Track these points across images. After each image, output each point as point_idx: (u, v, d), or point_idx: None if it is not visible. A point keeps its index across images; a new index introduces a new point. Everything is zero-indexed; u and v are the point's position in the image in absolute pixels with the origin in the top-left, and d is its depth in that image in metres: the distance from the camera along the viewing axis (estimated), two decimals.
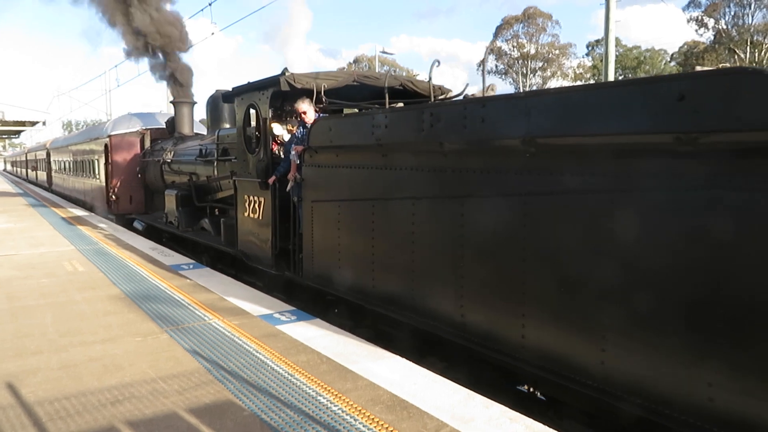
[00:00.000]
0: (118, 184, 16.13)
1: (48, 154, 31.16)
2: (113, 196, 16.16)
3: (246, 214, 8.37)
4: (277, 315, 6.18)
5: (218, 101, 12.41)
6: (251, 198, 8.19)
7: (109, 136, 16.22)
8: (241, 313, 6.27)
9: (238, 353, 4.99)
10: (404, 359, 4.87)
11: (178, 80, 15.91)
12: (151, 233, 14.03)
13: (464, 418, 3.70)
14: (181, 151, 12.74)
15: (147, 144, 15.76)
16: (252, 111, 8.37)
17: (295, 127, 7.69)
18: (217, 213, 11.15)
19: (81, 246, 11.12)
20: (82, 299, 6.97)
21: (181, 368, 4.65)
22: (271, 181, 7.49)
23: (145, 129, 16.15)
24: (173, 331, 5.64)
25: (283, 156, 7.76)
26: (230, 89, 8.88)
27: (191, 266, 9.12)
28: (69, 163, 24.22)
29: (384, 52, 43.03)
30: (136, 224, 15.46)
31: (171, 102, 15.43)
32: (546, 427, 3.60)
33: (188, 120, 15.17)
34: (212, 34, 21.63)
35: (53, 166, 29.91)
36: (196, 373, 4.54)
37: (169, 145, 13.82)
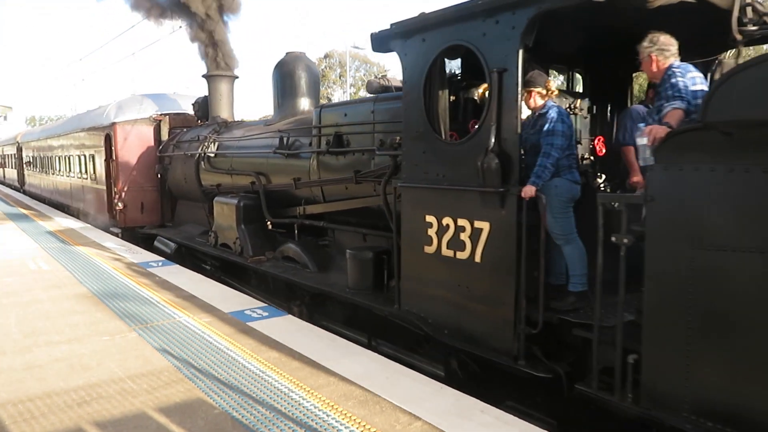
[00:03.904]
0: (126, 187, 12.44)
1: (19, 149, 27.57)
2: (119, 204, 12.44)
3: (432, 248, 4.84)
4: (248, 311, 6.13)
5: (293, 69, 9.05)
6: (449, 221, 4.68)
7: (114, 124, 12.55)
8: (211, 310, 6.20)
9: (208, 351, 4.94)
10: (377, 354, 4.88)
11: (216, 45, 11.98)
12: (185, 258, 10.25)
13: (437, 411, 3.73)
14: (233, 142, 9.51)
15: (164, 134, 12.46)
16: (445, 63, 5.02)
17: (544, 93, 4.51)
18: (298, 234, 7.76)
19: (45, 244, 10.86)
20: (48, 298, 6.81)
21: (150, 367, 4.58)
22: (530, 193, 4.11)
23: (161, 114, 12.71)
24: (142, 330, 5.55)
25: (524, 148, 4.51)
26: (390, 25, 5.20)
27: (160, 263, 8.98)
28: (49, 160, 20.32)
29: (355, 47, 42.88)
30: (159, 244, 11.25)
31: (205, 76, 11.87)
32: (515, 417, 3.65)
33: (228, 100, 11.76)
34: (180, 27, 21.20)
35: (26, 164, 26.27)
36: (166, 372, 4.48)
37: (206, 133, 10.43)
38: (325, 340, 5.21)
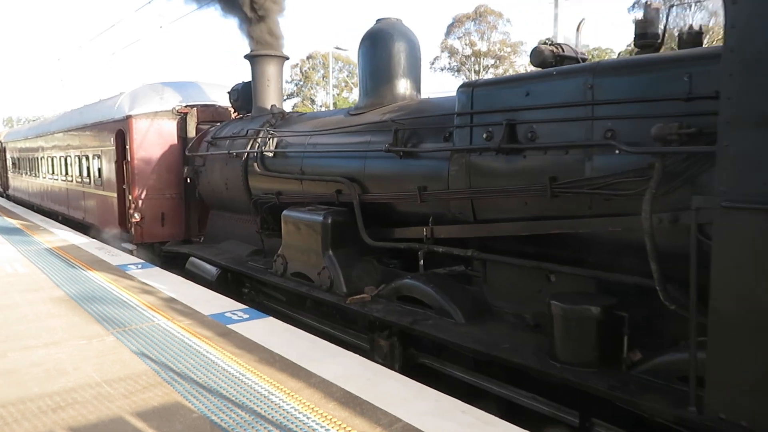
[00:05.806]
0: (143, 194, 10.38)
1: (2, 149, 25.89)
2: (135, 215, 10.38)
3: None
4: (228, 314, 6.08)
5: (388, 41, 6.73)
6: None
7: (128, 118, 10.46)
8: (191, 313, 6.14)
9: (187, 354, 4.88)
10: (357, 356, 4.86)
11: (267, 17, 9.55)
12: (230, 286, 8.17)
13: (417, 411, 3.72)
14: (301, 138, 7.39)
15: (191, 130, 10.52)
16: None
17: None
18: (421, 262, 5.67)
19: (22, 247, 10.67)
20: (24, 302, 6.69)
21: (127, 371, 4.52)
22: None
23: (187, 106, 10.69)
24: (120, 333, 5.48)
25: None
26: None
27: (139, 266, 8.87)
28: (39, 161, 18.16)
29: (338, 48, 42.89)
30: (194, 268, 8.96)
31: (247, 56, 9.48)
32: (496, 418, 3.66)
33: (277, 86, 9.45)
34: (160, 27, 21.00)
35: (11, 165, 24.36)
36: (144, 376, 4.42)
37: (257, 127, 8.35)
38: (305, 342, 5.18)
